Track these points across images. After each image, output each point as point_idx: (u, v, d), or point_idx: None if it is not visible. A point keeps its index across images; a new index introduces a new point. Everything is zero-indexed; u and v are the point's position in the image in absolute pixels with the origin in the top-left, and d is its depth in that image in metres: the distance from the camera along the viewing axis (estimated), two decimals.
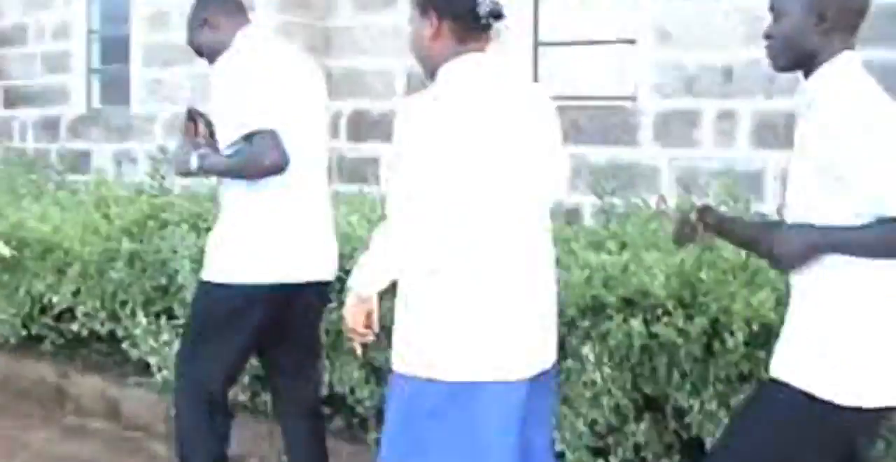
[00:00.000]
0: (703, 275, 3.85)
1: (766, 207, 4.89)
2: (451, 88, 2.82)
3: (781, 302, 3.61)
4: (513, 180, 2.83)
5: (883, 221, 2.47)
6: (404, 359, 2.88)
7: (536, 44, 6.68)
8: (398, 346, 2.90)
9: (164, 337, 5.24)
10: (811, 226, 2.59)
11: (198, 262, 4.88)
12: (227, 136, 3.59)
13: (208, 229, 5.24)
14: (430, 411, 2.82)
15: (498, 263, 2.81)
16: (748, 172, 5.80)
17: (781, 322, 3.54)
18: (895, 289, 2.56)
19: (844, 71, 2.61)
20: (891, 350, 2.56)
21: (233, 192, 3.68)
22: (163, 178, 6.26)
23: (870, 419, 2.62)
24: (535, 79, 6.63)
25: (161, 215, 5.62)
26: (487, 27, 2.89)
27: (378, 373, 4.52)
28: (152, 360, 5.31)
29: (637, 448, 4.04)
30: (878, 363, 2.55)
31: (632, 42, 6.35)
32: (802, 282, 2.66)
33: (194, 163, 3.62)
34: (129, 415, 5.40)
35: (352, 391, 4.69)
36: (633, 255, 4.09)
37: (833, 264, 2.56)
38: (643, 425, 3.98)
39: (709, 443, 3.84)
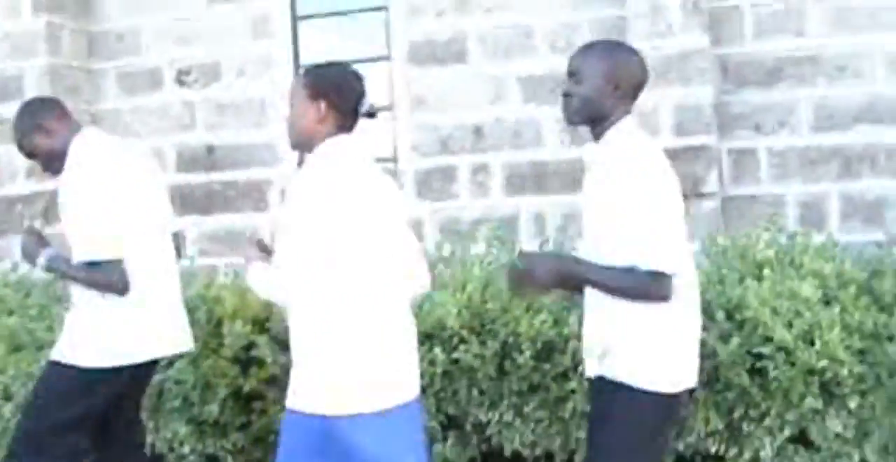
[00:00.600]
0: (489, 305, 4.41)
1: (528, 246, 5.50)
2: (330, 165, 3.24)
3: (559, 321, 4.24)
4: (376, 247, 3.22)
5: (638, 271, 2.95)
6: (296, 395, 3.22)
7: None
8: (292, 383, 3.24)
9: None
10: (576, 259, 3.08)
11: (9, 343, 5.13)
12: (76, 249, 3.79)
13: (10, 312, 5.48)
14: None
15: (363, 309, 3.20)
16: (503, 217, 6.44)
17: (560, 338, 4.17)
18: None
19: (630, 133, 3.10)
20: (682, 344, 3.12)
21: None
22: None
23: (683, 400, 3.14)
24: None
25: None
26: (357, 121, 3.37)
27: (201, 426, 4.81)
28: None
29: None
30: (679, 357, 3.10)
31: (389, 108, 6.93)
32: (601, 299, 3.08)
33: (41, 262, 3.85)
34: None
35: (172, 449, 4.94)
36: (427, 296, 4.58)
37: None
38: (449, 442, 4.47)
39: (508, 450, 4.38)
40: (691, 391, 3.17)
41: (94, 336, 3.86)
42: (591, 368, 3.16)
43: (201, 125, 7.33)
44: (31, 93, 7.32)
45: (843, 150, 5.97)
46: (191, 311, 4.88)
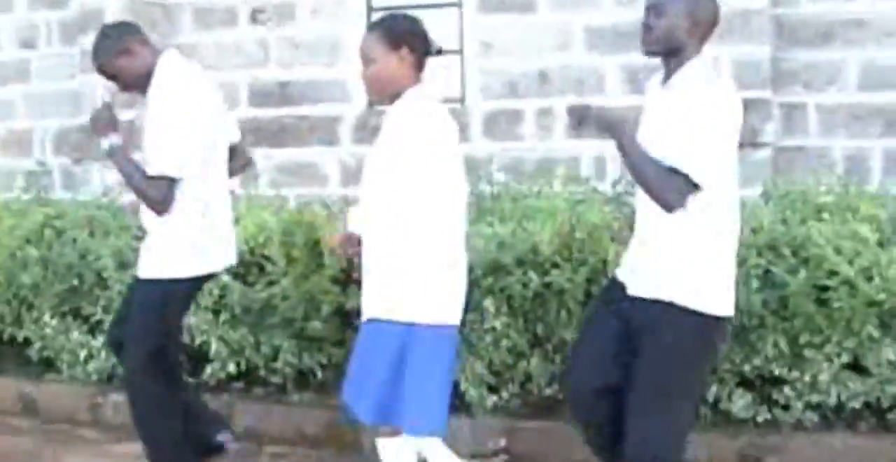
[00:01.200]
0: (577, 234, 4.86)
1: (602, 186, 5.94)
2: (425, 110, 3.63)
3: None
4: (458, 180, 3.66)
5: (671, 170, 3.29)
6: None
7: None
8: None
9: (75, 334, 5.78)
10: (634, 139, 3.37)
11: (119, 261, 5.56)
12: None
13: (106, 233, 5.91)
14: None
15: (450, 233, 3.58)
16: (565, 160, 6.88)
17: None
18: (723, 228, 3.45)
19: (706, 69, 3.46)
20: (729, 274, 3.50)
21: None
22: (45, 190, 6.74)
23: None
24: None
25: (56, 224, 6.12)
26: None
27: (300, 341, 5.27)
28: (64, 358, 5.82)
29: (523, 382, 5.00)
30: (726, 282, 3.48)
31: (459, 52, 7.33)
32: (668, 224, 3.42)
33: (105, 144, 4.09)
34: (48, 410, 5.78)
35: (266, 364, 5.39)
36: (517, 224, 5.04)
37: (692, 211, 3.35)
38: (534, 360, 4.94)
39: None
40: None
41: (184, 247, 4.16)
42: (649, 291, 3.44)
43: (274, 62, 7.72)
44: None
45: (887, 109, 6.42)
46: (287, 234, 5.35)
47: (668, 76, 3.50)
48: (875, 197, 5.13)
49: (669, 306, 3.40)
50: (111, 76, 4.21)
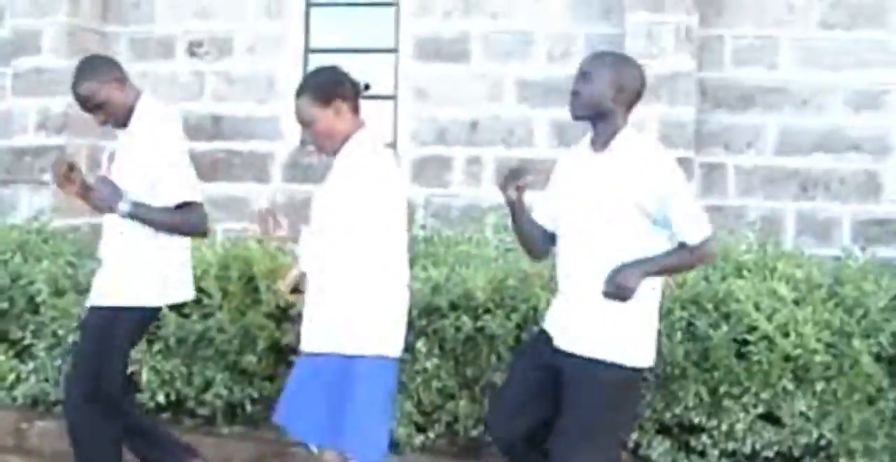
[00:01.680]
0: (510, 281, 5.04)
1: None
2: (370, 155, 3.79)
3: None
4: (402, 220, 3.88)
5: (682, 246, 3.64)
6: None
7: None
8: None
9: (1, 358, 5.74)
10: (638, 260, 3.56)
11: (53, 286, 5.57)
12: (138, 190, 4.17)
13: (38, 257, 5.91)
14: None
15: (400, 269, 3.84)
16: (492, 207, 7.07)
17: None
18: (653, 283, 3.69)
19: (637, 137, 3.72)
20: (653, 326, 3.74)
21: (130, 232, 4.25)
22: None
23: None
24: None
25: None
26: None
27: (233, 375, 5.34)
28: None
29: (450, 423, 5.14)
30: (650, 335, 3.72)
31: (392, 98, 7.51)
32: (593, 281, 3.61)
33: (124, 207, 4.13)
34: None
35: (196, 396, 5.44)
36: (451, 270, 5.20)
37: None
38: (462, 402, 5.08)
39: None
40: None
41: (154, 277, 4.28)
42: (570, 344, 3.66)
43: (209, 96, 7.80)
44: (47, 50, 7.72)
45: (801, 173, 6.76)
46: (223, 267, 5.44)
47: (598, 141, 3.72)
48: (791, 256, 5.42)
49: (594, 361, 3.61)
50: (93, 105, 4.24)
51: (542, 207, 3.95)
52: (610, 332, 3.61)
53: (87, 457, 4.37)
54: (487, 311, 4.97)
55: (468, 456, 5.10)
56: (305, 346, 3.84)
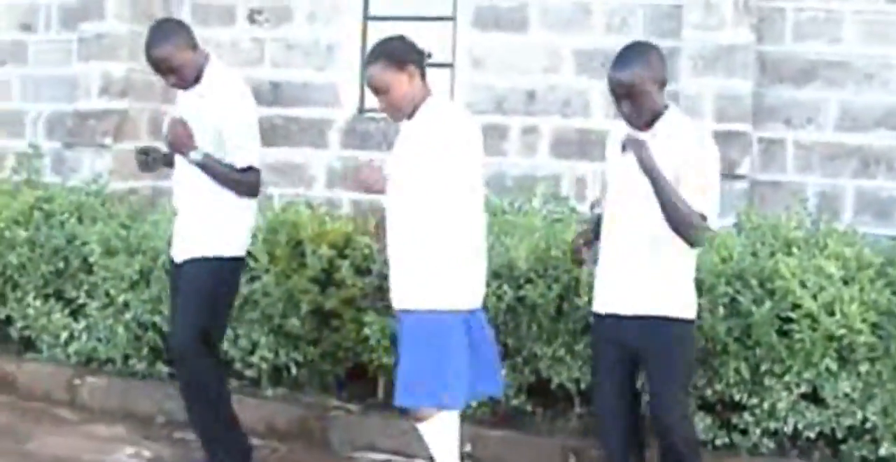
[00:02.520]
0: (553, 252, 5.02)
1: (581, 206, 6.12)
2: (448, 116, 3.97)
3: None
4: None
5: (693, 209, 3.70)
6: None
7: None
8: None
9: (57, 316, 5.88)
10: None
11: (105, 247, 5.67)
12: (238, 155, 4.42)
13: (94, 219, 6.02)
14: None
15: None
16: (547, 178, 7.04)
17: None
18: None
19: (680, 114, 3.89)
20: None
21: (206, 185, 4.45)
22: (36, 172, 6.84)
23: None
24: (363, 96, 7.66)
25: (44, 207, 6.23)
26: None
27: (278, 338, 5.40)
28: (45, 338, 5.93)
29: None
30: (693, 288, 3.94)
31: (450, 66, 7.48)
32: (656, 247, 3.79)
33: (196, 155, 4.35)
34: (26, 388, 5.91)
35: (243, 358, 5.52)
36: (496, 239, 5.19)
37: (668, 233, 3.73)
38: (503, 371, 5.08)
39: (555, 383, 5.01)
40: None
41: (232, 230, 4.52)
42: (638, 307, 3.83)
43: (268, 62, 7.85)
44: (110, 14, 7.80)
45: (862, 150, 6.61)
46: (272, 231, 5.50)
47: (644, 124, 3.79)
48: (844, 234, 5.32)
49: (664, 319, 3.82)
50: (168, 67, 4.37)
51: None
52: (669, 290, 3.83)
53: (207, 412, 4.56)
54: (529, 280, 4.96)
55: (508, 425, 5.14)
56: (418, 301, 3.97)
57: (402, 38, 4.02)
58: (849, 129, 6.63)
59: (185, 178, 4.53)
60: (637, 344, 3.87)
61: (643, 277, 3.82)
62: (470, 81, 7.39)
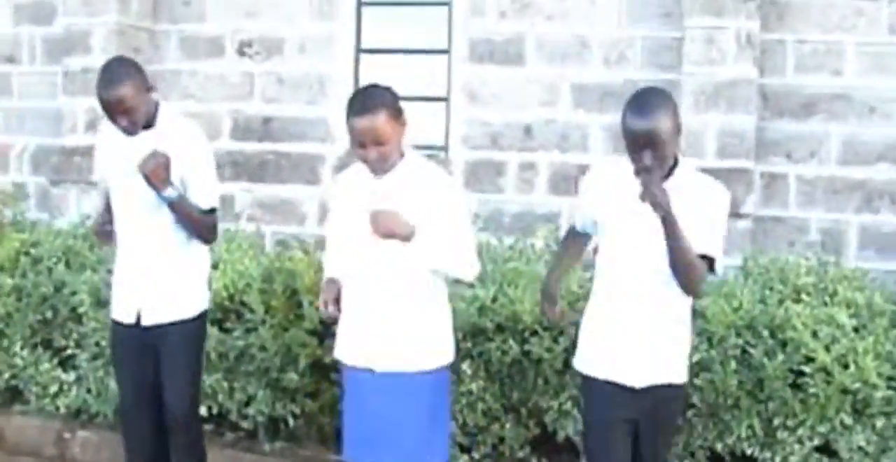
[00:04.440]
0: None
1: None
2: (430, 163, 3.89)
3: None
4: None
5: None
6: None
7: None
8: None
9: (45, 366, 5.72)
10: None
11: (95, 297, 5.52)
12: (203, 197, 4.24)
13: (82, 265, 5.86)
14: None
15: None
16: (545, 215, 6.92)
17: None
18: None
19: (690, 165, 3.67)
20: None
21: (175, 236, 4.24)
22: (21, 213, 6.69)
23: None
24: None
25: (31, 252, 6.08)
26: None
27: (275, 391, 5.25)
28: (33, 389, 5.77)
29: (494, 445, 5.03)
30: None
31: (445, 100, 7.36)
32: (665, 306, 3.61)
33: (172, 193, 4.08)
34: (14, 442, 5.74)
35: (239, 410, 5.37)
36: (498, 289, 5.06)
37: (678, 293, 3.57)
38: (507, 424, 4.96)
39: (561, 436, 4.88)
40: None
41: (201, 282, 4.36)
42: (653, 378, 3.62)
43: (259, 96, 7.70)
44: (98, 49, 7.65)
45: (866, 184, 6.51)
46: (266, 280, 5.35)
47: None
48: (853, 278, 5.21)
49: (673, 387, 3.69)
50: (123, 110, 4.03)
51: (584, 212, 3.86)
52: (677, 356, 3.68)
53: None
54: (535, 333, 4.83)
55: None
56: (412, 363, 3.78)
57: (389, 89, 3.80)
58: (851, 162, 6.54)
59: (145, 230, 4.23)
60: (647, 414, 3.67)
61: (657, 342, 3.62)
62: (465, 116, 7.26)
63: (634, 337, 3.63)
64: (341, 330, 3.90)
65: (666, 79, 6.65)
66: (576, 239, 4.03)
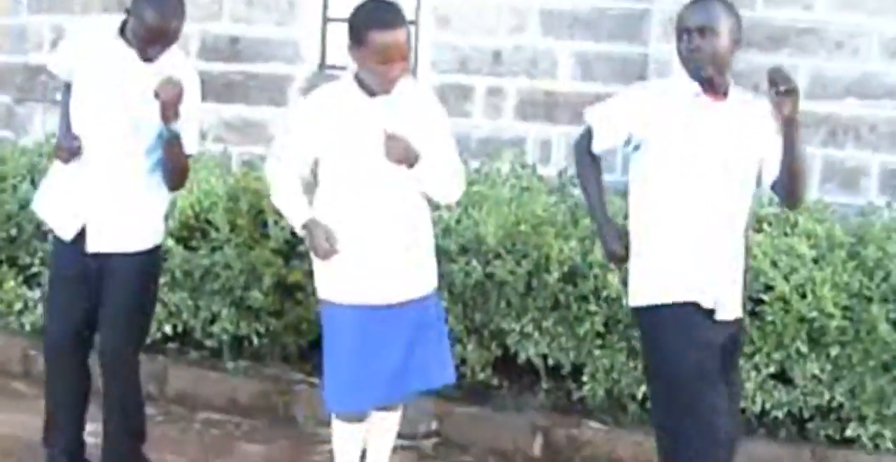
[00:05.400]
0: (522, 227, 4.93)
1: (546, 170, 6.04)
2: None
3: (586, 249, 4.79)
4: None
5: None
6: None
7: (325, 19, 7.50)
8: None
9: (10, 284, 5.72)
10: None
11: None
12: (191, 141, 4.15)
13: None
14: None
15: None
16: (512, 140, 6.93)
17: (585, 264, 4.68)
18: None
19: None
20: None
21: (147, 166, 4.10)
22: None
23: None
24: (324, 53, 7.46)
25: None
26: None
27: (239, 310, 5.28)
28: None
29: (457, 366, 5.07)
30: None
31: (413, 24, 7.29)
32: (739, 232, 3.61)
33: (175, 128, 3.95)
34: None
35: (203, 328, 5.40)
36: (463, 211, 5.09)
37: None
38: (470, 346, 5.02)
39: (522, 358, 4.95)
40: None
41: (158, 215, 4.24)
42: (734, 313, 3.61)
43: (227, 16, 7.60)
44: None
45: (831, 118, 6.55)
46: (232, 199, 5.36)
47: (712, 90, 3.54)
48: (814, 210, 5.28)
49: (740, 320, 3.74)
50: (166, 41, 3.93)
51: (624, 124, 3.59)
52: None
53: (138, 406, 4.31)
54: (498, 255, 4.88)
55: (475, 401, 5.09)
56: (422, 287, 3.85)
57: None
58: (818, 96, 6.54)
59: (112, 150, 4.05)
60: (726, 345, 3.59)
61: (738, 271, 3.61)
62: (434, 40, 7.20)
63: (724, 266, 3.56)
64: (341, 269, 3.73)
65: (635, 8, 6.64)
66: (595, 163, 3.75)
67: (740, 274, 3.63)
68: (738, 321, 3.68)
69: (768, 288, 4.57)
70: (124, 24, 4.01)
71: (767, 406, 4.69)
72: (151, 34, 3.88)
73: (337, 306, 3.75)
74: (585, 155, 3.74)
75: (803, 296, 4.53)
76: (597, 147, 3.69)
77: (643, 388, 4.74)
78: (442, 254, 4.84)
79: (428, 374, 3.88)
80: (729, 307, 3.58)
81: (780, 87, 3.30)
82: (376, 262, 3.71)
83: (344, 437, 3.93)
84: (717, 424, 3.43)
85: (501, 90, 7.07)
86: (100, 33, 4.13)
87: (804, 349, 4.56)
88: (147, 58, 3.97)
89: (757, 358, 4.62)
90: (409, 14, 7.21)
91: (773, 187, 3.61)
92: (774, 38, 6.59)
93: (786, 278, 4.57)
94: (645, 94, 3.73)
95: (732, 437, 3.57)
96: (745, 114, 3.54)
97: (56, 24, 7.47)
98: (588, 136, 3.71)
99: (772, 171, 3.55)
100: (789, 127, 3.37)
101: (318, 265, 3.81)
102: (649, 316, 3.55)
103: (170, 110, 3.88)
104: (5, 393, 5.42)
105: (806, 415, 4.71)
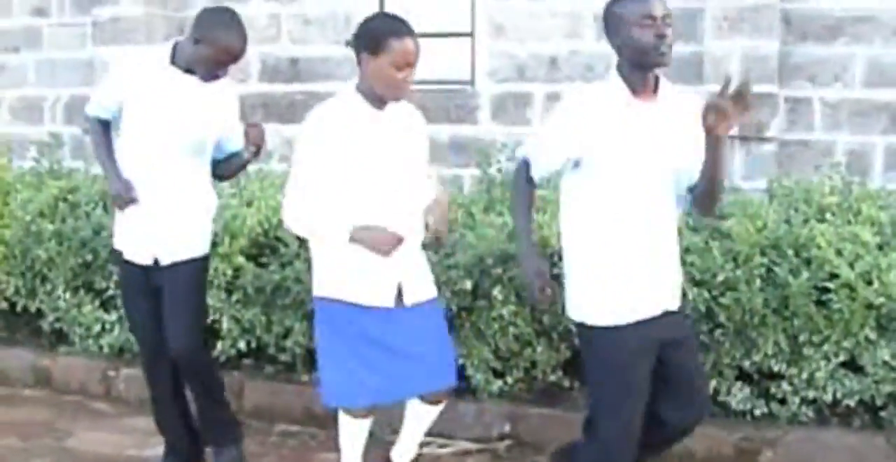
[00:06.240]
0: None
1: None
2: None
3: None
4: None
5: None
6: None
7: None
8: None
9: (87, 308, 5.90)
10: None
11: None
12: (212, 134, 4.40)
13: None
14: None
15: None
16: None
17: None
18: None
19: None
20: None
21: (205, 179, 4.48)
22: (58, 162, 6.83)
23: None
24: None
25: (69, 198, 6.22)
26: None
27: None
28: (77, 331, 5.95)
29: (527, 369, 5.14)
30: None
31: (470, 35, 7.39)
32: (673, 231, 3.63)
33: (247, 154, 4.38)
34: (61, 382, 5.96)
35: (276, 343, 5.51)
36: None
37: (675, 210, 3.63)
38: (539, 348, 5.07)
39: None
40: None
41: (210, 222, 4.53)
42: (673, 304, 3.65)
43: (285, 37, 7.77)
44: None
45: (891, 106, 6.52)
46: None
47: (645, 87, 3.44)
48: (877, 197, 5.25)
49: (682, 312, 3.78)
50: (235, 61, 4.19)
51: (560, 148, 3.53)
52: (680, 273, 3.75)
53: (219, 399, 4.63)
54: (562, 257, 4.89)
55: (546, 402, 5.13)
56: (424, 293, 4.00)
57: None
58: (876, 84, 6.53)
59: (176, 173, 4.30)
60: (670, 338, 3.61)
61: (671, 269, 3.64)
62: (490, 49, 7.29)
63: (652, 265, 3.56)
64: (361, 274, 3.88)
65: (689, 6, 6.66)
66: (530, 190, 3.75)
67: (678, 269, 3.71)
68: (678, 313, 3.70)
69: (833, 276, 4.56)
70: (174, 51, 4.21)
71: (839, 395, 4.66)
72: (230, 57, 4.12)
73: (339, 303, 3.94)
74: (522, 181, 3.71)
75: (869, 283, 4.51)
76: (536, 175, 3.68)
77: (715, 383, 4.76)
78: (509, 258, 4.94)
79: (429, 376, 3.98)
80: (665, 299, 3.62)
81: (729, 90, 3.24)
82: (382, 265, 3.84)
83: (350, 431, 4.12)
84: (614, 448, 3.63)
85: (559, 96, 7.10)
86: (146, 66, 4.29)
87: (873, 336, 4.54)
88: (208, 80, 4.20)
89: (826, 347, 4.60)
90: (464, 25, 7.39)
91: (690, 190, 3.57)
92: (830, 28, 6.58)
93: (851, 266, 4.56)
94: (579, 112, 3.50)
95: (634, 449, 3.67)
96: (674, 113, 3.49)
97: (121, 55, 7.64)
98: (525, 167, 3.69)
99: (693, 175, 3.52)
100: (715, 137, 3.32)
101: (320, 263, 4.01)
102: (580, 328, 3.69)
103: (259, 147, 4.32)
104: (88, 413, 5.59)
105: (879, 402, 4.67)
